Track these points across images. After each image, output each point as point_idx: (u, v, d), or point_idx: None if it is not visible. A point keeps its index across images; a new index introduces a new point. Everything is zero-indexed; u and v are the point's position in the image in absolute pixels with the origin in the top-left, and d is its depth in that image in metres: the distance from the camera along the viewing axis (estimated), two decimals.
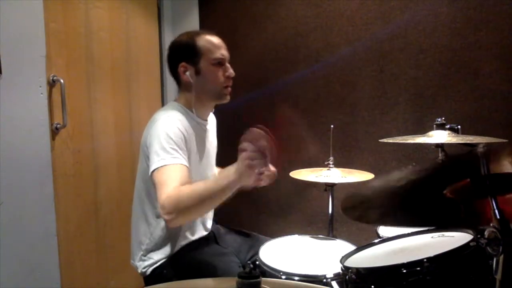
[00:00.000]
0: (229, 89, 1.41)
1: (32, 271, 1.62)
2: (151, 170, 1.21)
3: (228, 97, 1.42)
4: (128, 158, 2.15)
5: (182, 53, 1.38)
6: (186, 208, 1.10)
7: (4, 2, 1.48)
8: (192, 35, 1.38)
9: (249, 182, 0.99)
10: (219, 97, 1.42)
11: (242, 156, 0.99)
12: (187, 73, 1.37)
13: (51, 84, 1.72)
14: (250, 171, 1.00)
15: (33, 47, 1.61)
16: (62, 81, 1.73)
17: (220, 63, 1.37)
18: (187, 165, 1.24)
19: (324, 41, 2.18)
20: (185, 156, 1.25)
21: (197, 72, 1.37)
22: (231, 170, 1.05)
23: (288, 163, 2.23)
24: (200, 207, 1.14)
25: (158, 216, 1.36)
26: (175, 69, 1.40)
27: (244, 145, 0.99)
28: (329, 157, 1.74)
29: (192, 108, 1.40)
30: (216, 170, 1.62)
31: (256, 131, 0.98)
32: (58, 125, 1.75)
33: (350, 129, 2.15)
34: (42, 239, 1.66)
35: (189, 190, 1.09)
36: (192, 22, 2.57)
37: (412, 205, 0.90)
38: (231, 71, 1.39)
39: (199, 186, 1.10)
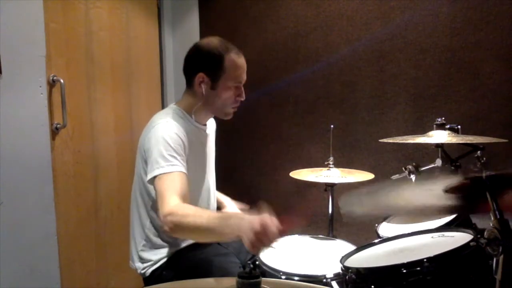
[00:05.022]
0: (236, 110, 1.42)
1: (32, 271, 1.62)
2: (150, 177, 1.22)
3: (231, 116, 1.43)
4: (128, 158, 2.15)
5: (206, 63, 1.34)
6: (184, 233, 1.18)
7: (4, 2, 1.48)
8: (221, 49, 1.33)
9: (247, 245, 0.95)
10: (223, 115, 1.43)
11: (253, 228, 0.93)
12: (203, 84, 1.34)
13: (51, 84, 1.72)
14: (252, 244, 0.95)
15: (33, 47, 1.61)
16: (62, 81, 1.73)
17: (237, 86, 1.37)
18: (186, 172, 1.24)
19: (324, 41, 2.18)
20: (183, 162, 1.25)
21: (213, 88, 1.35)
22: (237, 224, 0.99)
23: (288, 163, 2.24)
24: (197, 238, 1.26)
25: (152, 219, 1.37)
26: (192, 73, 1.36)
27: (258, 223, 0.93)
28: (329, 157, 1.74)
29: (192, 114, 1.40)
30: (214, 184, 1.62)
31: (273, 222, 0.94)
32: (58, 125, 1.75)
33: (350, 129, 2.15)
34: (42, 239, 1.66)
35: (192, 219, 1.09)
36: (192, 22, 2.57)
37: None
38: (243, 96, 1.39)
39: (202, 220, 1.08)
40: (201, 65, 1.35)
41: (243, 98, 1.40)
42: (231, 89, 1.36)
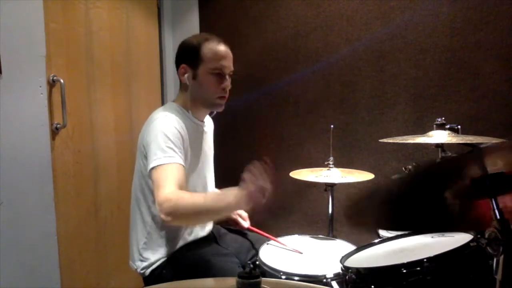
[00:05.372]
0: (224, 100, 1.41)
1: (32, 271, 1.62)
2: (148, 168, 1.22)
3: (222, 107, 1.43)
4: (128, 158, 2.15)
5: (186, 55, 1.39)
6: (183, 216, 1.15)
7: (4, 2, 1.48)
8: (201, 40, 1.38)
9: (245, 209, 1.04)
10: (211, 105, 1.43)
11: (243, 187, 1.01)
12: (186, 75, 1.38)
13: (51, 84, 1.72)
14: (248, 203, 1.02)
15: (33, 47, 1.61)
16: (62, 81, 1.73)
17: (218, 73, 1.37)
18: (184, 164, 1.25)
19: (324, 41, 2.18)
20: (182, 155, 1.26)
21: (194, 77, 1.38)
22: (231, 195, 1.06)
23: (288, 163, 2.24)
24: (195, 219, 1.25)
25: (153, 216, 1.37)
26: (178, 67, 1.42)
27: (247, 177, 1.00)
28: (329, 157, 1.74)
29: (189, 109, 1.41)
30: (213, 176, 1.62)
31: (259, 167, 1.00)
32: (58, 125, 1.75)
33: (350, 129, 2.15)
34: (42, 239, 1.66)
35: (188, 201, 1.11)
36: (192, 22, 2.57)
37: (411, 209, 0.90)
38: (227, 84, 1.39)
39: (198, 201, 1.11)
40: (182, 57, 1.40)
41: (227, 87, 1.39)
42: (212, 76, 1.36)
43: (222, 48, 1.38)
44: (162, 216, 1.12)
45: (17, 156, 1.55)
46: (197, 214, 1.14)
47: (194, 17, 2.56)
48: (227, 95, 1.41)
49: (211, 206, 1.10)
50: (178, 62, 1.41)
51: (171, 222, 1.15)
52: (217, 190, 1.68)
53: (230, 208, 1.09)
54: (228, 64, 1.39)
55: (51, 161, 1.70)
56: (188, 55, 1.38)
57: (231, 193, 1.06)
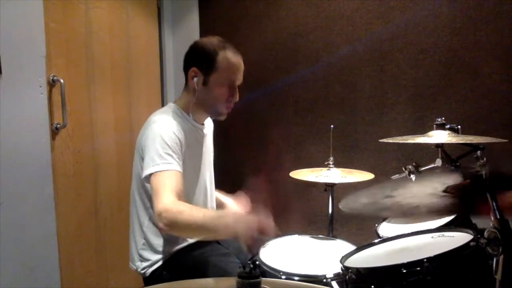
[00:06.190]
0: (229, 110, 1.41)
1: (32, 271, 1.62)
2: (145, 174, 1.22)
3: (224, 117, 1.42)
4: (128, 158, 2.13)
5: (199, 58, 1.36)
6: (180, 230, 1.16)
7: (4, 2, 1.48)
8: (217, 46, 1.34)
9: (244, 245, 0.97)
10: (215, 114, 1.43)
11: (250, 230, 0.96)
12: (195, 79, 1.35)
13: (51, 84, 1.72)
14: (249, 246, 0.98)
15: (33, 47, 1.61)
16: (62, 81, 1.73)
17: (230, 85, 1.36)
18: (181, 171, 1.24)
19: (324, 41, 2.18)
20: (179, 161, 1.25)
21: (205, 83, 1.35)
22: (231, 218, 1.03)
23: (288, 163, 2.24)
24: (192, 235, 1.28)
25: (150, 217, 1.37)
26: (187, 68, 1.39)
27: (255, 227, 0.95)
28: (329, 157, 1.74)
29: (190, 112, 1.40)
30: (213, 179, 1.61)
31: (270, 223, 0.96)
32: (58, 125, 1.75)
33: (350, 129, 2.15)
34: (42, 239, 1.66)
35: (187, 217, 1.09)
36: (192, 22, 2.57)
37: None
38: (236, 97, 1.38)
39: (197, 218, 1.09)
40: (195, 59, 1.37)
41: (236, 99, 1.39)
42: (223, 87, 1.35)
43: (237, 59, 1.36)
44: (160, 225, 1.11)
45: (17, 156, 1.55)
46: (194, 230, 1.13)
47: (194, 17, 2.56)
48: (232, 106, 1.40)
49: (209, 226, 1.07)
50: (189, 63, 1.38)
51: (168, 232, 1.16)
52: (218, 194, 1.67)
53: (228, 234, 1.05)
54: (240, 77, 1.38)
55: (51, 161, 1.70)
56: (202, 59, 1.35)
57: (234, 222, 1.01)
